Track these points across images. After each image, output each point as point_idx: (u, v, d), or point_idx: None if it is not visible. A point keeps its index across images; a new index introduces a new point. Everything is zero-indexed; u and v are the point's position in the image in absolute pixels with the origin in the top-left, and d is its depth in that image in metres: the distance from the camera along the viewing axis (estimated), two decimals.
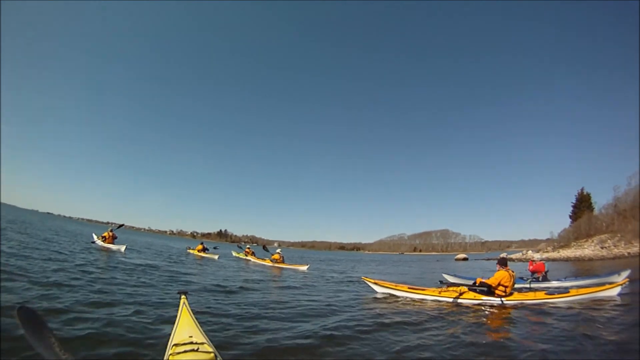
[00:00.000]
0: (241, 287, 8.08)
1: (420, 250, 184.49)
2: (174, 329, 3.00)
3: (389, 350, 3.73)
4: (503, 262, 7.05)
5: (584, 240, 38.16)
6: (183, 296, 3.61)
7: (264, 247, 20.48)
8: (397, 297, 7.59)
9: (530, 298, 6.85)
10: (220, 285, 8.09)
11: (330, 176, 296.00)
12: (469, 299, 6.85)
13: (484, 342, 4.09)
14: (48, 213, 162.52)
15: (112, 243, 16.67)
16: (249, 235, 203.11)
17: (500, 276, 6.78)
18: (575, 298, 6.91)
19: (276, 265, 16.92)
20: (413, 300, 7.26)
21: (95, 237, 18.03)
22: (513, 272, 6.99)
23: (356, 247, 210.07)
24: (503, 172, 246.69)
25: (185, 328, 2.99)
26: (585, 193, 46.46)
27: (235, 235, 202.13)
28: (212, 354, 2.41)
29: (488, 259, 47.73)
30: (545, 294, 7.01)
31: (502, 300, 6.68)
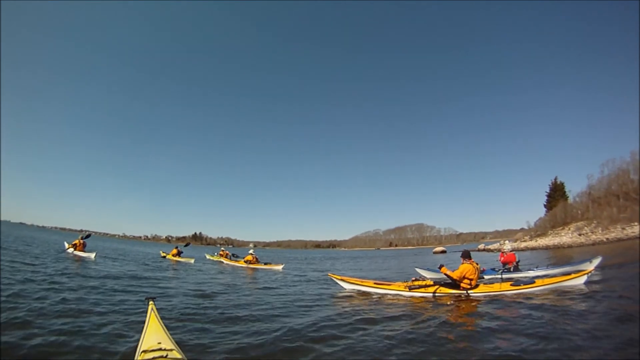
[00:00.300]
0: (213, 291, 7.88)
1: (396, 245, 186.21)
2: (142, 335, 2.98)
3: (350, 348, 3.73)
4: (467, 255, 7.07)
5: (561, 228, 38.34)
6: (151, 302, 3.59)
7: (234, 255, 20.07)
8: (364, 292, 7.66)
9: (495, 290, 6.84)
10: (192, 290, 7.97)
11: (302, 175, 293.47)
12: (434, 292, 6.84)
13: (443, 335, 4.11)
14: (20, 223, 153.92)
15: (83, 251, 16.49)
16: (224, 237, 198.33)
17: (464, 269, 6.77)
18: (541, 288, 6.90)
19: (250, 266, 16.78)
20: (379, 295, 7.31)
21: (66, 245, 17.80)
22: (477, 264, 6.98)
23: (332, 245, 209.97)
24: (475, 163, 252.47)
25: (154, 334, 2.97)
26: (558, 182, 46.99)
27: (211, 238, 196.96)
28: None
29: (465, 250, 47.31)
30: (511, 284, 6.98)
31: (467, 293, 6.71)
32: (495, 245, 43.20)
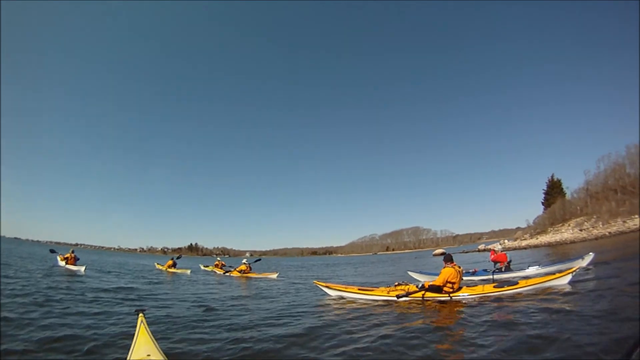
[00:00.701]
0: (204, 303, 7.73)
1: (393, 249, 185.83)
2: (131, 347, 3.00)
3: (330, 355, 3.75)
4: (448, 259, 7.14)
5: (560, 225, 38.16)
6: (141, 314, 3.64)
7: (228, 266, 19.78)
8: (348, 299, 7.72)
9: (478, 292, 6.79)
10: (183, 300, 7.97)
11: (297, 183, 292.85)
12: (417, 297, 6.87)
13: (422, 339, 4.13)
14: (15, 238, 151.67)
15: (74, 264, 16.41)
16: (220, 247, 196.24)
17: (446, 274, 6.79)
18: (524, 289, 6.84)
19: (244, 275, 16.67)
20: (363, 301, 7.36)
21: (58, 259, 17.71)
22: (460, 267, 7.04)
23: (328, 251, 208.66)
24: (469, 164, 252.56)
25: (143, 346, 2.99)
26: (555, 179, 47.05)
27: (206, 248, 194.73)
28: None
29: (465, 252, 48.27)
30: (494, 286, 6.93)
31: (449, 297, 6.72)
32: (496, 245, 43.14)
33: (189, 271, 18.30)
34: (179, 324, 5.28)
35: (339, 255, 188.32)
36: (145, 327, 3.39)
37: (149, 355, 2.80)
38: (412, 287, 7.04)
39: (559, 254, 20.05)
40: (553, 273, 7.66)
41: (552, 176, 48.11)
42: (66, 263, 16.55)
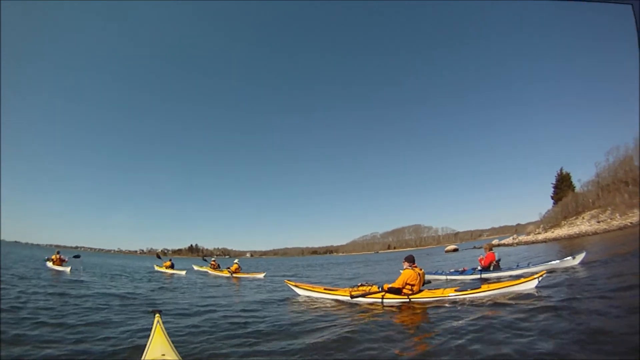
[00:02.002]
0: (192, 303, 8.18)
1: (394, 248, 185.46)
2: (146, 347, 3.03)
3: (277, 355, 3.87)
4: (410, 260, 7.11)
5: (574, 218, 38.36)
6: (157, 315, 3.68)
7: (203, 258, 21.96)
8: (314, 298, 7.95)
9: (437, 295, 6.77)
10: (181, 303, 8.15)
11: (297, 182, 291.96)
12: (377, 298, 6.95)
13: (372, 342, 4.20)
14: (15, 242, 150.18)
15: (60, 265, 17.51)
16: (220, 247, 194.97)
17: (405, 275, 6.80)
18: (486, 293, 6.69)
19: (235, 275, 17.51)
20: (327, 301, 7.56)
21: (46, 260, 19.00)
22: (421, 269, 7.07)
23: (329, 251, 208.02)
24: (469, 162, 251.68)
25: (159, 346, 3.02)
26: (564, 173, 47.36)
27: (207, 249, 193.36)
28: None
29: (477, 247, 47.82)
30: (455, 290, 6.87)
31: (409, 299, 6.74)
32: (509, 240, 43.36)
33: (184, 272, 19.31)
34: (183, 329, 5.41)
35: (340, 254, 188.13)
36: (161, 327, 3.41)
37: (163, 355, 2.80)
38: (374, 288, 7.19)
39: (572, 246, 20.23)
40: (533, 274, 7.33)
41: (561, 170, 48.46)
42: (53, 264, 17.76)
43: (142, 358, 2.84)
